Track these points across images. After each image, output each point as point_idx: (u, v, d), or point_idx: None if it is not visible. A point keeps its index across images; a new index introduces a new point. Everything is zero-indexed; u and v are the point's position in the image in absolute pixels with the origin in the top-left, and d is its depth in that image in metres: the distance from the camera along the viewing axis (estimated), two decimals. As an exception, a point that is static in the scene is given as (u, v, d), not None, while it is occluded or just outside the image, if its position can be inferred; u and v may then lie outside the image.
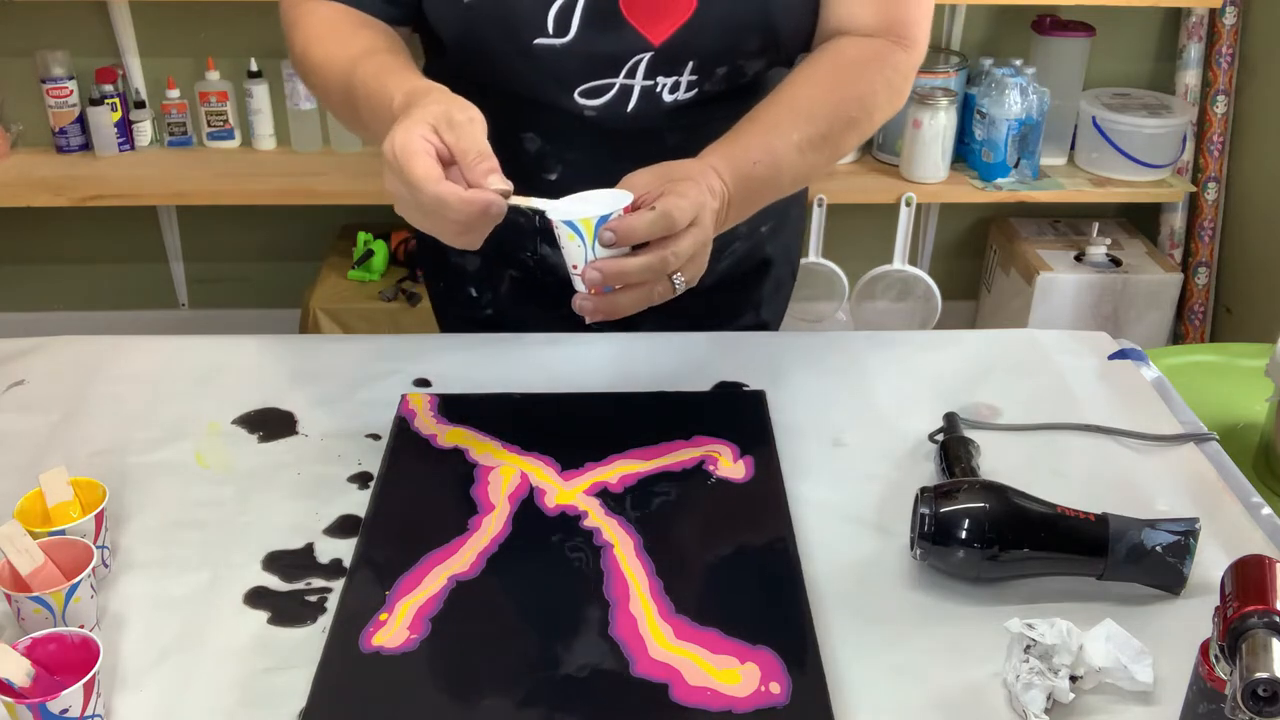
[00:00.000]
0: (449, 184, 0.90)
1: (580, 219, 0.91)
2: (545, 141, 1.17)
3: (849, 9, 1.13)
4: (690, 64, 1.11)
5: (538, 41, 1.09)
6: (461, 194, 0.89)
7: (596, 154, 1.13)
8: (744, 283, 1.35)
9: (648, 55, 1.10)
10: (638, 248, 0.93)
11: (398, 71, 1.02)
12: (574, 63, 1.10)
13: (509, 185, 0.91)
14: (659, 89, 1.12)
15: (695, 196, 0.94)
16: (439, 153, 0.91)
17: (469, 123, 0.91)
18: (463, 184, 0.91)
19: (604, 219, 0.91)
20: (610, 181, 0.97)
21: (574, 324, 1.30)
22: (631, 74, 1.11)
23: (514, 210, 0.93)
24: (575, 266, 0.94)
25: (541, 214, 0.95)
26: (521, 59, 1.10)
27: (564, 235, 0.93)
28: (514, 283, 1.30)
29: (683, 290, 0.96)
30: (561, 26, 1.08)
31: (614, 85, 1.11)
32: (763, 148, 1.04)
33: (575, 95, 1.12)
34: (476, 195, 0.90)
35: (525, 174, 1.16)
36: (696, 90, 1.13)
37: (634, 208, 0.93)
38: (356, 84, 1.03)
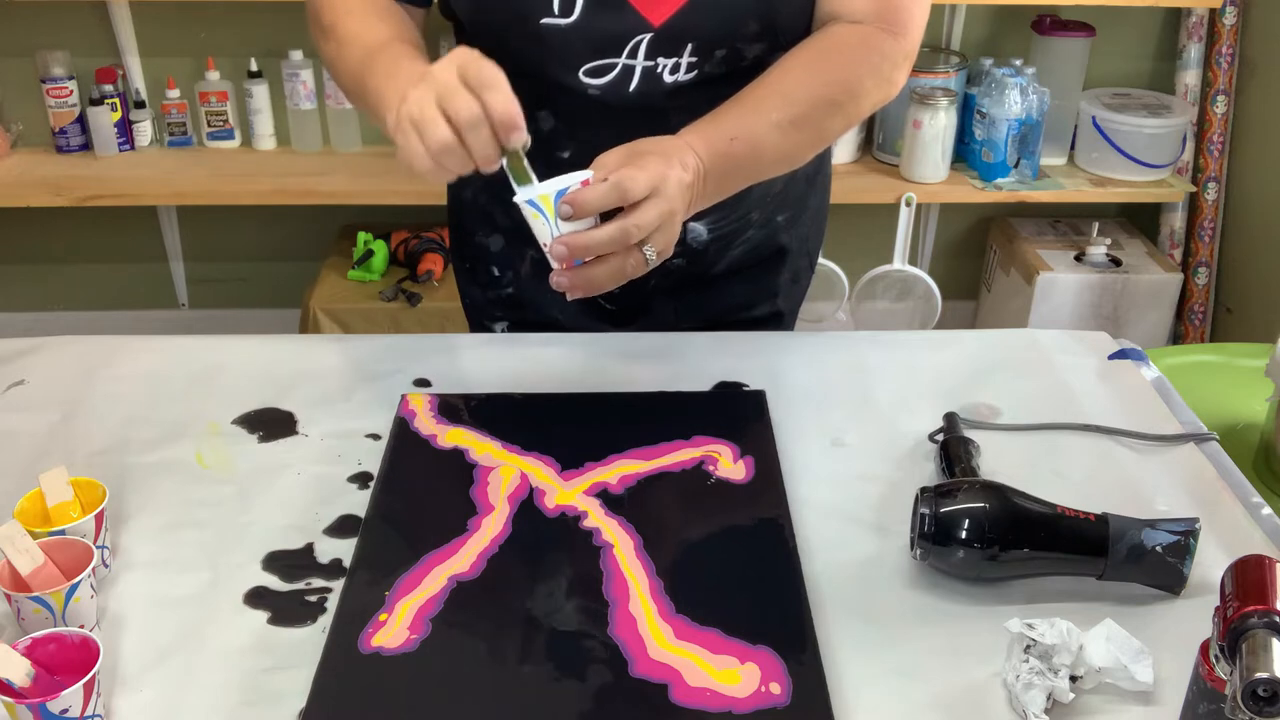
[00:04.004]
0: None
1: (539, 195, 0.95)
2: (558, 120, 1.20)
3: None
4: (689, 46, 1.13)
5: (544, 21, 1.12)
6: (510, 91, 0.93)
7: (606, 133, 1.16)
8: (760, 271, 1.35)
9: (648, 36, 1.12)
10: (604, 221, 0.96)
11: (420, 60, 1.07)
12: (578, 43, 1.13)
13: (529, 142, 0.95)
14: (659, 70, 1.14)
15: (655, 169, 0.97)
16: None
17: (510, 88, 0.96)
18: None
19: (561, 193, 0.94)
20: None
21: (591, 304, 1.32)
22: (633, 54, 1.13)
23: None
24: (545, 244, 0.97)
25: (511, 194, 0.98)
26: (529, 38, 1.13)
27: (529, 215, 0.97)
28: (534, 263, 1.33)
29: (655, 262, 0.99)
30: (566, 7, 1.11)
31: (616, 65, 1.14)
32: (741, 126, 1.06)
33: (580, 74, 1.15)
34: (516, 108, 0.93)
35: (540, 152, 1.21)
36: (696, 72, 1.15)
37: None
38: (381, 57, 1.07)
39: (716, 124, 1.06)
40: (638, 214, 0.95)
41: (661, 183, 0.97)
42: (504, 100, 0.92)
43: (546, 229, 0.96)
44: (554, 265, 0.98)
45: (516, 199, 0.96)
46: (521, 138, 0.94)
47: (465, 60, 0.94)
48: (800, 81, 1.10)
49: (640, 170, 0.96)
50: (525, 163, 0.96)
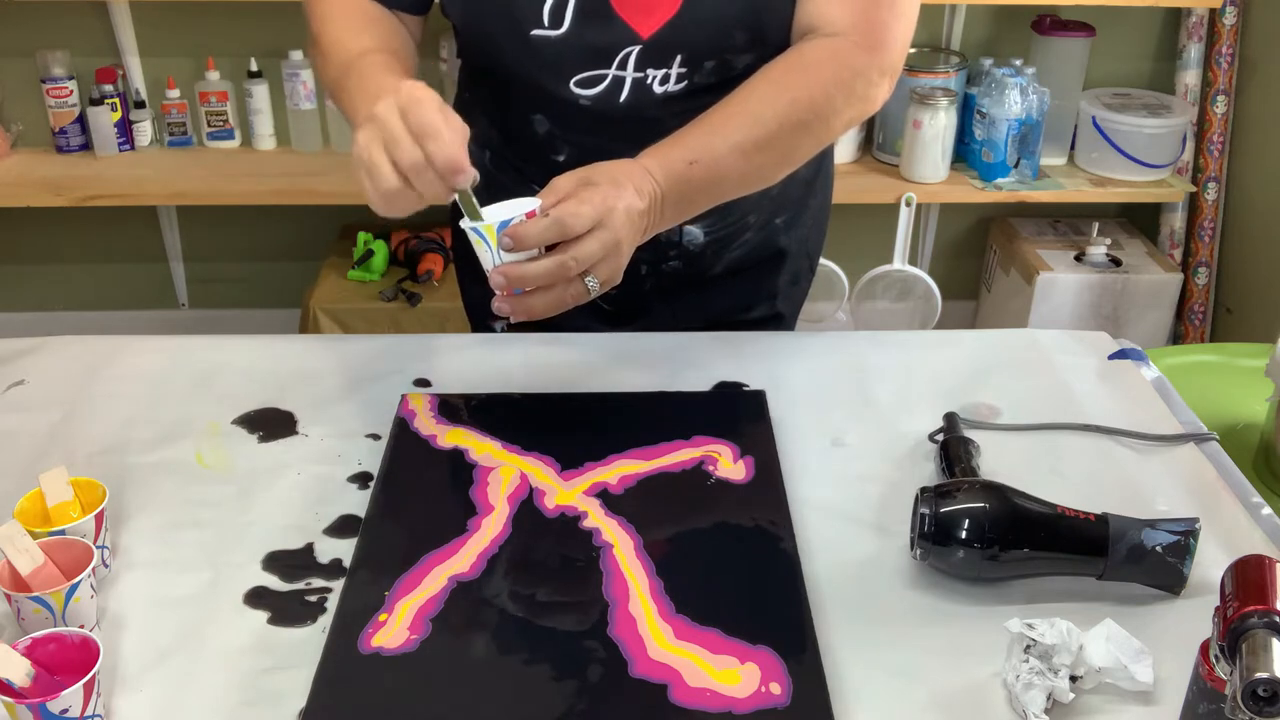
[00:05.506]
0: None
1: (483, 225, 0.95)
2: (553, 124, 1.21)
3: (819, 7, 1.12)
4: (678, 57, 1.13)
5: (534, 33, 1.12)
6: (453, 130, 0.94)
7: (601, 137, 1.16)
8: (758, 273, 1.35)
9: (637, 48, 1.12)
10: (547, 251, 0.96)
11: (396, 71, 1.08)
12: (569, 54, 1.13)
13: (478, 178, 0.96)
14: (649, 81, 1.14)
15: (599, 202, 0.96)
16: None
17: (458, 120, 0.97)
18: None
19: (504, 224, 0.95)
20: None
21: (589, 305, 1.31)
22: (622, 66, 1.13)
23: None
24: (487, 270, 0.98)
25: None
26: (521, 48, 1.13)
27: (474, 241, 0.97)
28: None
29: (598, 291, 0.98)
30: (556, 19, 1.11)
31: (606, 76, 1.14)
32: (703, 149, 1.05)
33: (571, 85, 1.15)
34: (460, 149, 0.94)
35: (536, 154, 1.22)
36: (686, 82, 1.15)
37: (546, 213, 0.96)
38: (358, 69, 1.09)
39: (678, 146, 1.05)
40: (578, 248, 0.95)
41: (607, 214, 0.96)
42: (445, 148, 0.93)
43: (489, 256, 0.97)
44: (495, 291, 0.98)
45: (462, 224, 0.97)
46: (467, 180, 0.94)
47: (406, 104, 0.94)
48: (766, 102, 1.08)
49: (584, 204, 0.95)
50: (474, 200, 0.96)
